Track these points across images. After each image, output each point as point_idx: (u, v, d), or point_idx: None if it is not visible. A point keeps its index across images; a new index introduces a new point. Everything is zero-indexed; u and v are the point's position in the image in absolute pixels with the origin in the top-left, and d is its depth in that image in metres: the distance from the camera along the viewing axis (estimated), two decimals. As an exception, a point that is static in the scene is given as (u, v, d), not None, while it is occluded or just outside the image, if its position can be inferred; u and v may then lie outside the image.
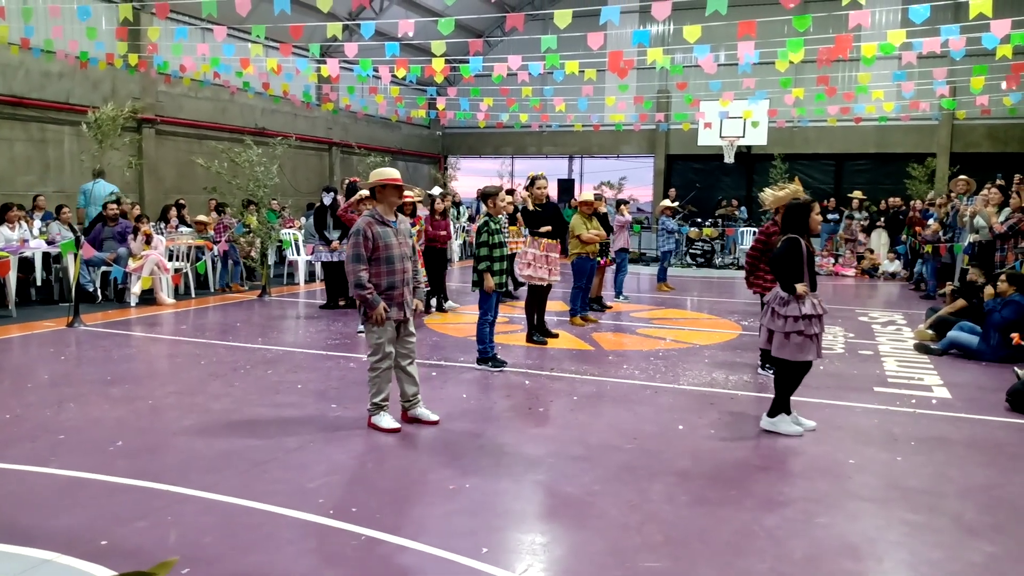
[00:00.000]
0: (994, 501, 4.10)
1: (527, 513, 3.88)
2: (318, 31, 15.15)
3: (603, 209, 10.37)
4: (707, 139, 18.96)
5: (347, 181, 10.10)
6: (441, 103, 17.36)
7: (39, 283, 10.69)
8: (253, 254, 12.00)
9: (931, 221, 13.18)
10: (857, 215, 16.96)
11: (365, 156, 16.15)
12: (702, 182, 21.66)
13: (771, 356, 5.35)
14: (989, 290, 7.87)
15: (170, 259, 11.25)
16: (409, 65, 12.70)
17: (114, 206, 10.94)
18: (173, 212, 12.97)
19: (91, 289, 10.50)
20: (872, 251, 16.19)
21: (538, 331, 8.26)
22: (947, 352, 7.90)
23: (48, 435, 4.88)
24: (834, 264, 16.52)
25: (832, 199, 18.57)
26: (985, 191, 10.45)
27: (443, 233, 10.02)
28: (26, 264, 10.32)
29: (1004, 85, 13.54)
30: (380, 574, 3.23)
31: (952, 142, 20.46)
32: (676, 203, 16.63)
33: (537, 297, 8.29)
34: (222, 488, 4.03)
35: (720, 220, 18.85)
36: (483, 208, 7.12)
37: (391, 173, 5.23)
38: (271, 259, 12.61)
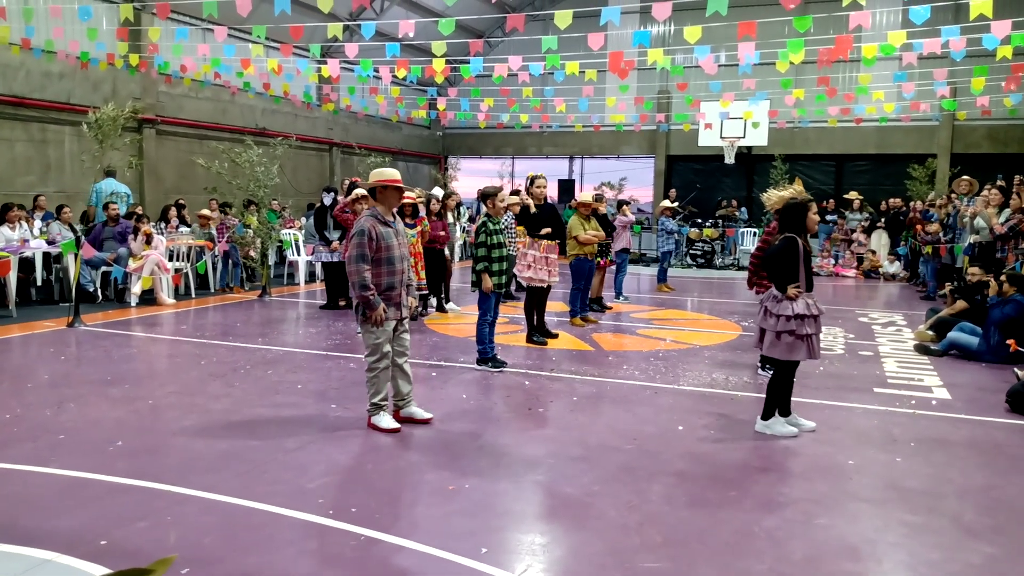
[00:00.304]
0: (993, 502, 4.10)
1: (526, 514, 3.88)
2: (319, 31, 15.18)
3: (603, 210, 10.37)
4: (707, 140, 18.96)
5: (348, 181, 10.10)
6: (442, 103, 17.37)
7: (39, 283, 10.70)
8: (253, 254, 12.01)
9: (932, 220, 13.17)
10: (858, 216, 16.97)
11: (366, 156, 16.18)
12: (702, 183, 21.66)
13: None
14: (994, 285, 7.85)
15: (170, 259, 11.26)
16: (410, 65, 12.71)
17: (115, 206, 10.95)
18: (173, 212, 12.98)
19: (91, 289, 10.51)
20: (873, 252, 16.20)
21: (538, 332, 8.26)
22: (947, 353, 7.91)
23: (48, 435, 4.89)
24: (835, 265, 16.53)
25: (831, 200, 18.58)
26: (985, 192, 10.46)
27: (441, 234, 10.03)
28: (26, 264, 10.33)
29: (1004, 86, 13.55)
30: (379, 574, 3.23)
31: (952, 143, 20.47)
32: (676, 204, 16.64)
33: (536, 298, 8.30)
34: (222, 488, 4.03)
35: (720, 221, 18.85)
36: (483, 209, 7.12)
37: (391, 174, 5.23)
38: (271, 259, 12.61)
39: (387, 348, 5.12)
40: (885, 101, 15.88)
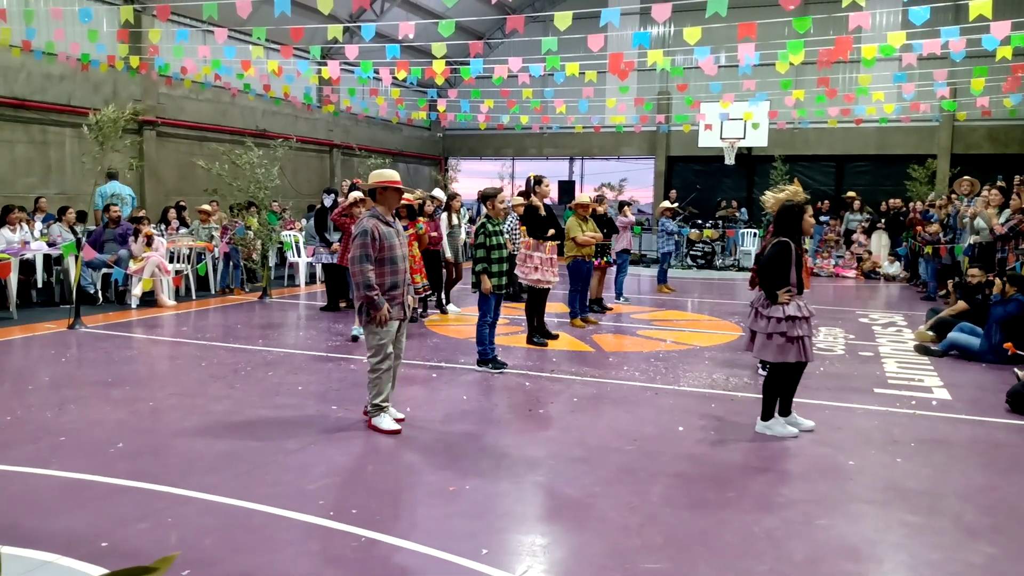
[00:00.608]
0: (994, 502, 4.10)
1: (527, 515, 3.88)
2: (319, 33, 15.17)
3: (602, 210, 10.36)
4: (707, 141, 18.96)
5: (349, 183, 10.10)
6: (442, 105, 17.37)
7: (40, 285, 10.70)
8: (254, 255, 12.01)
9: (932, 221, 13.17)
10: (858, 216, 16.95)
11: (366, 158, 16.18)
12: (703, 184, 21.65)
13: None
14: (999, 283, 7.84)
15: (171, 261, 11.26)
16: (410, 67, 12.72)
17: (116, 208, 10.95)
18: (173, 214, 12.98)
19: (92, 291, 10.51)
20: (869, 252, 16.20)
21: (538, 333, 8.27)
22: (947, 353, 7.91)
23: (49, 437, 4.89)
24: (834, 266, 16.53)
25: (826, 201, 18.58)
26: (985, 192, 10.46)
27: (434, 234, 10.04)
28: (27, 266, 10.33)
29: (1004, 86, 13.55)
30: (380, 575, 3.23)
31: (952, 143, 20.45)
32: (676, 204, 16.64)
33: (537, 299, 8.30)
34: (222, 490, 4.04)
35: (720, 222, 18.85)
36: (483, 210, 7.13)
37: (391, 175, 5.24)
38: (272, 261, 12.62)
39: (390, 349, 5.12)
40: (885, 102, 15.88)
